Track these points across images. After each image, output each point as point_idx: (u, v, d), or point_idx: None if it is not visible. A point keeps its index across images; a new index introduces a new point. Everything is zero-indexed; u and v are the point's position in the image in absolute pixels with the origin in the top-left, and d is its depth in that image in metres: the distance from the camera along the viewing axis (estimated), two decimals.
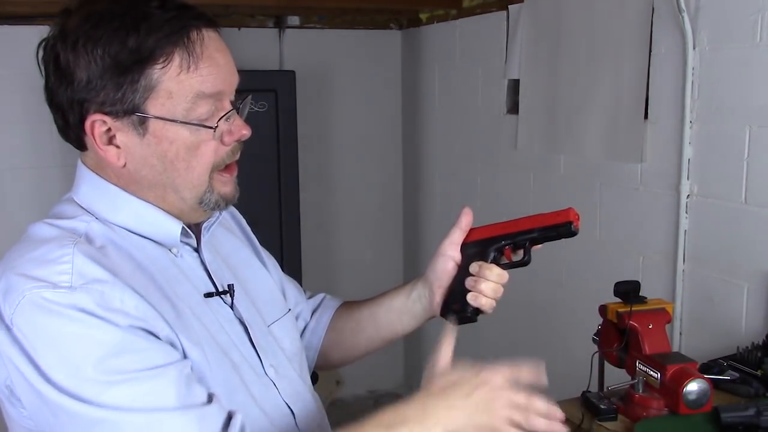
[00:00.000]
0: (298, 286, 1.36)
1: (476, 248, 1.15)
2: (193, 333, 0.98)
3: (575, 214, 1.11)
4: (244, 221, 1.28)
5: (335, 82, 3.72)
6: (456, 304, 1.14)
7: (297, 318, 1.32)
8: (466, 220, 1.17)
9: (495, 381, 0.99)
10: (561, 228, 1.11)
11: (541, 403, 0.99)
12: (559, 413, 1.00)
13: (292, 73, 3.20)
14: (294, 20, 3.58)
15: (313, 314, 1.34)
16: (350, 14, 3.62)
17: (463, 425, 0.97)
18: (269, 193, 3.14)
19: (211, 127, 0.98)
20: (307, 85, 3.44)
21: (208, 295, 1.05)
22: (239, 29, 3.45)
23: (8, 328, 0.89)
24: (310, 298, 1.37)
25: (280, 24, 3.55)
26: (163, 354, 0.92)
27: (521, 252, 1.15)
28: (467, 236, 1.17)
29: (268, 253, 1.29)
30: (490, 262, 1.13)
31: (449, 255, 1.16)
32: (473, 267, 1.13)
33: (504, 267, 1.13)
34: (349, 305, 1.34)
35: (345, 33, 3.69)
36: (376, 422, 0.97)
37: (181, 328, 0.96)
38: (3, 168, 3.09)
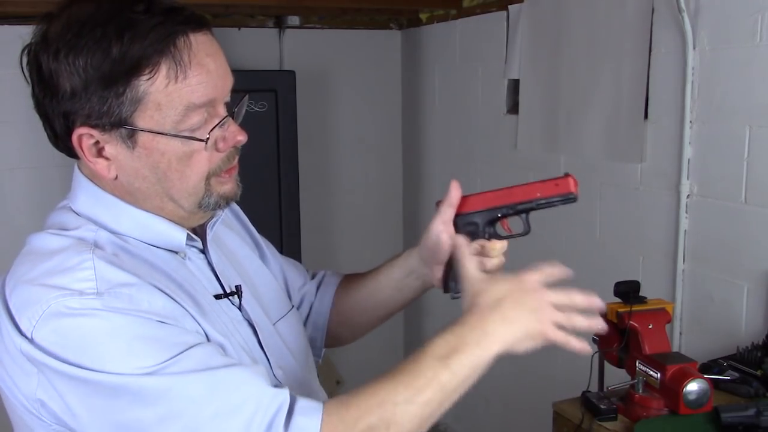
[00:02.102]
0: (300, 266, 1.35)
1: (472, 221, 1.11)
2: (219, 327, 0.98)
3: (575, 182, 1.08)
4: (242, 213, 1.26)
5: (335, 82, 3.72)
6: (459, 281, 1.11)
7: (303, 300, 1.31)
8: (456, 195, 1.12)
9: (536, 284, 1.00)
10: (561, 198, 1.08)
11: (580, 297, 1.00)
12: (599, 303, 1.01)
13: (292, 73, 3.20)
14: (294, 20, 3.58)
15: (316, 293, 1.33)
16: (350, 14, 3.62)
17: (519, 336, 0.97)
18: (269, 193, 3.14)
19: (202, 140, 0.94)
20: (307, 85, 3.43)
21: (217, 296, 1.04)
22: (239, 29, 3.45)
23: (30, 340, 0.86)
24: (313, 277, 1.35)
25: (280, 24, 3.55)
26: (195, 336, 0.92)
27: (519, 221, 1.11)
28: (460, 206, 1.12)
29: (266, 240, 1.27)
30: (488, 237, 1.10)
31: (443, 233, 1.12)
32: (475, 247, 1.10)
33: (504, 239, 1.11)
34: (348, 281, 1.32)
35: (345, 33, 3.69)
36: (430, 355, 0.94)
37: (206, 323, 0.96)
38: (3, 168, 3.09)
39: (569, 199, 1.08)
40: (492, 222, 1.11)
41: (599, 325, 1.01)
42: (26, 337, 0.87)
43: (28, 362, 0.88)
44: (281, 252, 1.33)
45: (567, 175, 1.09)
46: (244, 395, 0.87)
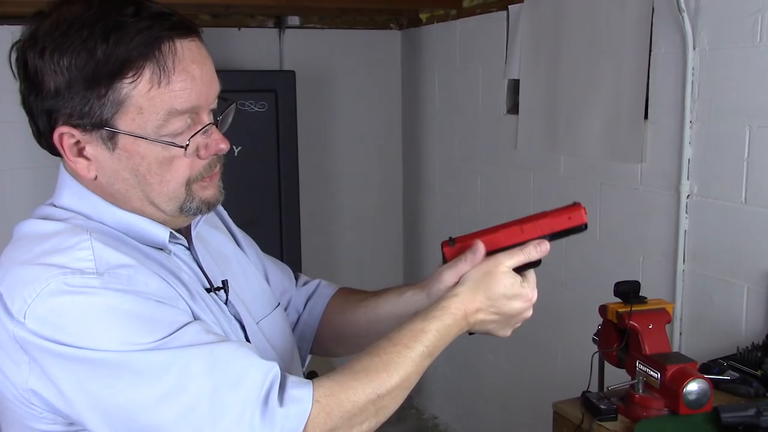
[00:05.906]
0: (287, 270, 1.33)
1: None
2: (209, 316, 0.99)
3: (585, 211, 1.07)
4: (224, 212, 1.25)
5: (335, 82, 3.72)
6: None
7: (288, 306, 1.29)
8: (480, 255, 1.08)
9: (533, 297, 1.08)
10: (574, 231, 1.08)
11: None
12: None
13: (292, 73, 3.20)
14: (294, 20, 3.58)
15: (306, 303, 1.31)
16: (350, 14, 3.62)
17: (488, 321, 1.06)
18: (269, 193, 3.14)
19: (181, 146, 0.94)
20: (307, 85, 3.44)
21: (207, 290, 1.04)
22: (239, 29, 3.44)
23: (22, 324, 0.85)
24: (305, 284, 1.34)
25: (280, 24, 3.55)
26: (189, 316, 0.93)
27: None
28: (467, 243, 1.09)
29: (248, 238, 1.26)
30: None
31: (454, 277, 1.09)
32: None
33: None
34: (344, 299, 1.29)
35: (345, 33, 3.69)
36: (421, 342, 0.98)
37: (198, 309, 0.97)
38: (3, 168, 3.09)
39: (581, 229, 1.08)
40: None
41: None
42: (18, 321, 0.86)
43: (20, 350, 0.87)
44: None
45: (577, 204, 1.08)
46: (241, 369, 0.87)
